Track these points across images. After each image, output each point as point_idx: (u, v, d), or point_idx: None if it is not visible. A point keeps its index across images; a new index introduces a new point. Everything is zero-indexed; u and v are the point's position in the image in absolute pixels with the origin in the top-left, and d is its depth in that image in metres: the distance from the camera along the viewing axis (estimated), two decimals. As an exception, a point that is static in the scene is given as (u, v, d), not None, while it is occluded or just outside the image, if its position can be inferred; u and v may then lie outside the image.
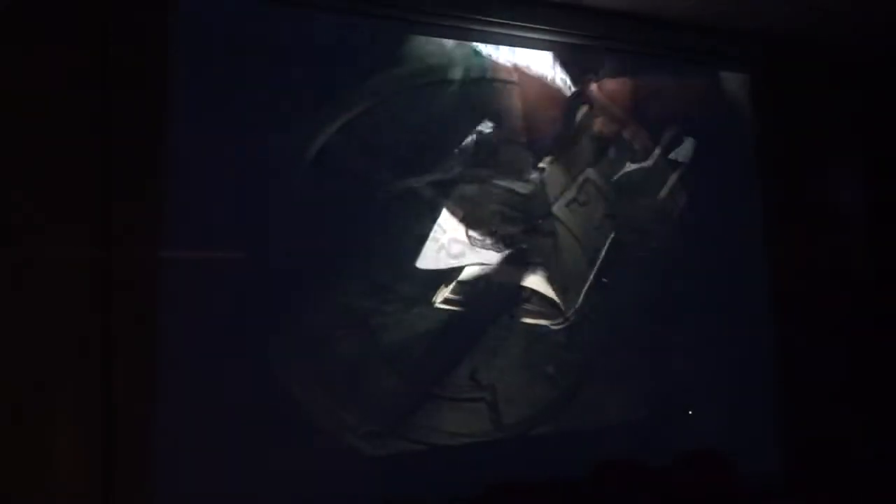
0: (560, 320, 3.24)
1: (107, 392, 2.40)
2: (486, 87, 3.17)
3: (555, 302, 3.24)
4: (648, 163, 3.51)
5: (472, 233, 3.09)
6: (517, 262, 3.17)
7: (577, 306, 3.27)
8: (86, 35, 2.46)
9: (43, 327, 2.34)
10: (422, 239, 2.99)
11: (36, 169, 2.38)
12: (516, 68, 3.25)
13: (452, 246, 3.05)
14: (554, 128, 3.29)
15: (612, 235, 3.38)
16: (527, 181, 3.22)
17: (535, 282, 3.21)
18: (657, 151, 3.53)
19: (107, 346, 2.42)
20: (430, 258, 3.00)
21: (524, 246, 3.19)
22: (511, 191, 3.18)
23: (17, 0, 2.35)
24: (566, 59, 3.35)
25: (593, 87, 3.39)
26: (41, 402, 2.34)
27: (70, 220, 2.42)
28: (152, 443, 2.42)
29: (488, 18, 3.16)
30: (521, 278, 3.18)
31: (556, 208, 3.28)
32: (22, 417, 2.31)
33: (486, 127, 3.14)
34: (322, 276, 2.82)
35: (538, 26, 3.25)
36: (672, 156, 3.58)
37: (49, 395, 2.35)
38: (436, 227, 3.02)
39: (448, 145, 3.08)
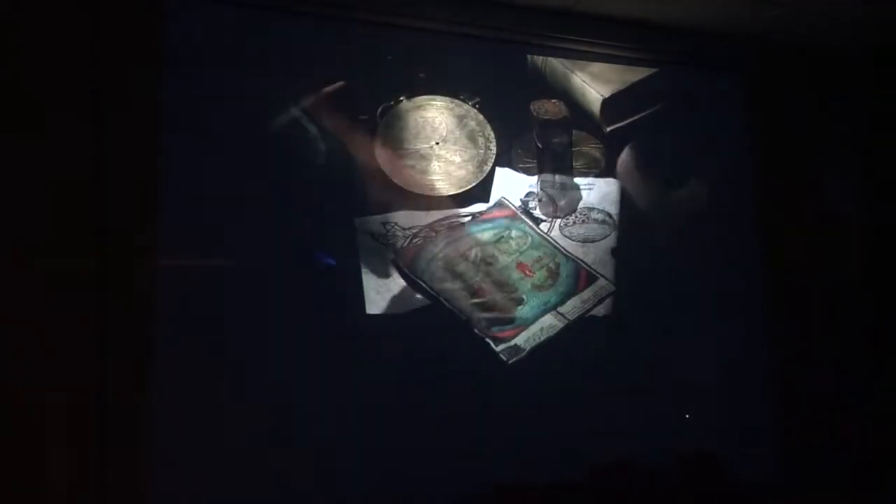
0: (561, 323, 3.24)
1: (101, 393, 2.41)
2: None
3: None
4: (644, 167, 3.53)
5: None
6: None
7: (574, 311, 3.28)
8: (76, 39, 2.48)
9: (37, 331, 2.35)
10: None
11: (30, 173, 2.39)
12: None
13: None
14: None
15: (610, 239, 3.40)
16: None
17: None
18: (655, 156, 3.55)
19: (101, 348, 2.42)
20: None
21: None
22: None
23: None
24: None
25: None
26: (36, 404, 2.35)
27: (65, 224, 2.43)
28: (147, 444, 2.42)
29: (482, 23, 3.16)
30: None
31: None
32: (16, 420, 2.32)
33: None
34: (319, 277, 2.84)
35: (528, 31, 3.25)
36: (668, 161, 3.59)
37: (44, 398, 2.36)
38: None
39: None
